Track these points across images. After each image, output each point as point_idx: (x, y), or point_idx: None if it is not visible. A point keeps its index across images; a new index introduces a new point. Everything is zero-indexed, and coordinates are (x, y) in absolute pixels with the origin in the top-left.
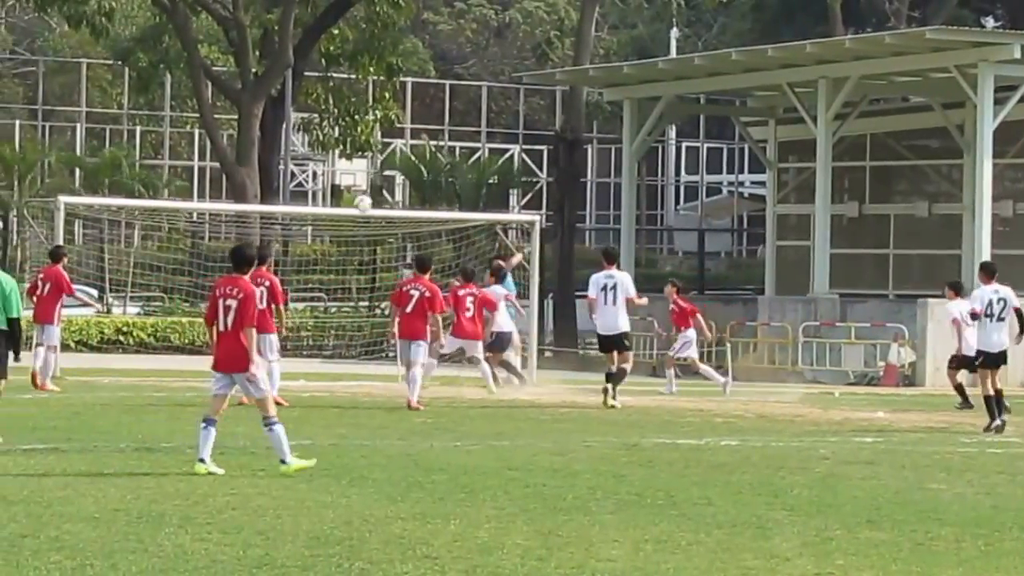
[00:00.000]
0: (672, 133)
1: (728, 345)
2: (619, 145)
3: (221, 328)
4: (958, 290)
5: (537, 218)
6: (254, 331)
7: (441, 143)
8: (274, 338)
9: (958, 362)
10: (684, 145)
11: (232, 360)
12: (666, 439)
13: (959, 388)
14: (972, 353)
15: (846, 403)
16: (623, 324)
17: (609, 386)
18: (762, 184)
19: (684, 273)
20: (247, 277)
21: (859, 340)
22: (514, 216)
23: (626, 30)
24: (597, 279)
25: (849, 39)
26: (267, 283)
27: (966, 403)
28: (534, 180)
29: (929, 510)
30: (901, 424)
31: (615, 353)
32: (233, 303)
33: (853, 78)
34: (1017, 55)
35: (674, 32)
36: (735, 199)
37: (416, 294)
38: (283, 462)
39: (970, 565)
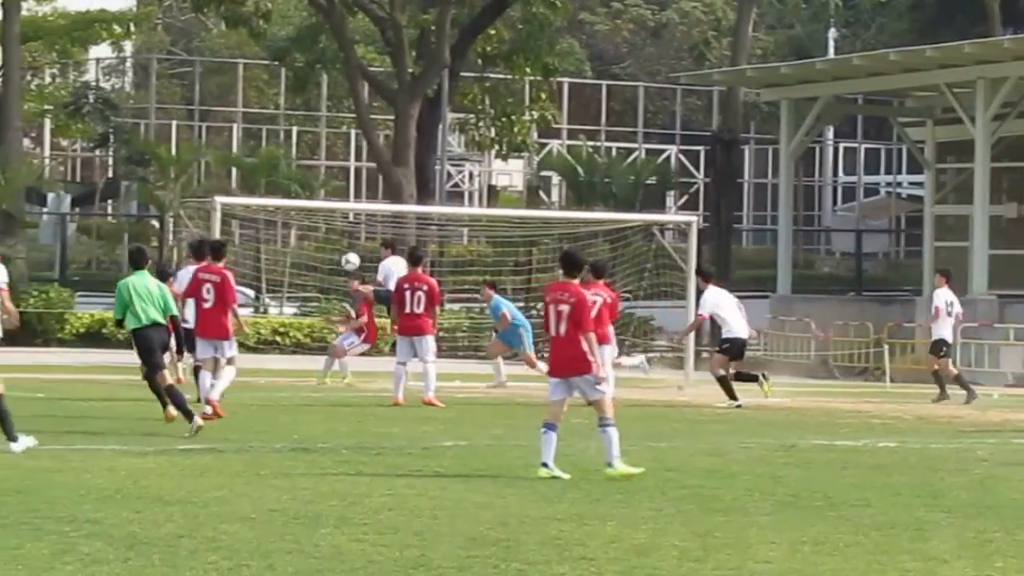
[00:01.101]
0: (829, 133)
1: (886, 346)
2: (776, 145)
3: (553, 333)
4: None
5: (694, 219)
6: (592, 335)
7: (597, 143)
8: (431, 340)
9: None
10: (841, 146)
11: (568, 364)
12: (823, 440)
13: (958, 378)
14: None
15: (1005, 405)
16: None
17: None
18: (920, 185)
19: (841, 274)
20: (581, 283)
21: (1018, 341)
22: (671, 217)
23: (783, 30)
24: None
25: (1008, 39)
26: (425, 286)
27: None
28: (691, 181)
29: None
30: None
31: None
32: (566, 308)
33: (1012, 78)
34: None
35: (832, 32)
36: (893, 200)
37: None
38: (609, 464)
39: None
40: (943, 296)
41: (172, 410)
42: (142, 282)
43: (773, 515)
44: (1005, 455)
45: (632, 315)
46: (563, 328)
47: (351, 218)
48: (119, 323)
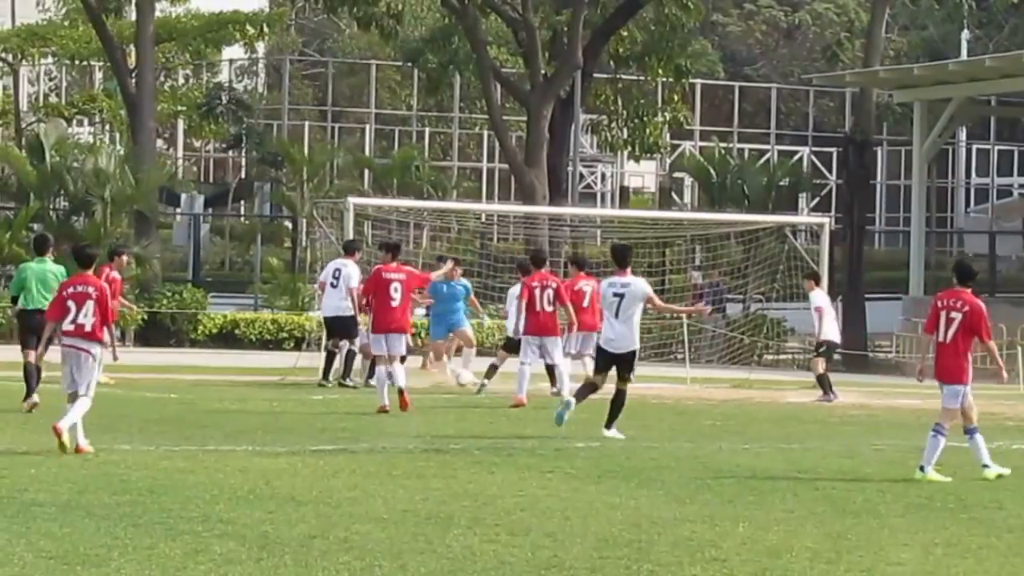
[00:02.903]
0: (962, 135)
1: (1020, 348)
2: (909, 147)
3: (940, 339)
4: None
5: (827, 220)
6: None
7: (730, 145)
8: (559, 340)
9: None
10: (975, 147)
11: (947, 372)
12: (955, 442)
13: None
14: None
15: None
16: None
17: None
18: None
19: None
20: None
21: None
22: (803, 218)
23: (916, 31)
24: None
25: None
26: (555, 284)
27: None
28: (824, 182)
29: None
30: None
31: None
32: (957, 316)
33: None
34: None
35: (965, 33)
36: None
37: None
38: (985, 466)
39: None
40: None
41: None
42: (43, 268)
43: (905, 517)
44: None
45: (765, 317)
46: (950, 334)
47: (484, 219)
48: (14, 300)
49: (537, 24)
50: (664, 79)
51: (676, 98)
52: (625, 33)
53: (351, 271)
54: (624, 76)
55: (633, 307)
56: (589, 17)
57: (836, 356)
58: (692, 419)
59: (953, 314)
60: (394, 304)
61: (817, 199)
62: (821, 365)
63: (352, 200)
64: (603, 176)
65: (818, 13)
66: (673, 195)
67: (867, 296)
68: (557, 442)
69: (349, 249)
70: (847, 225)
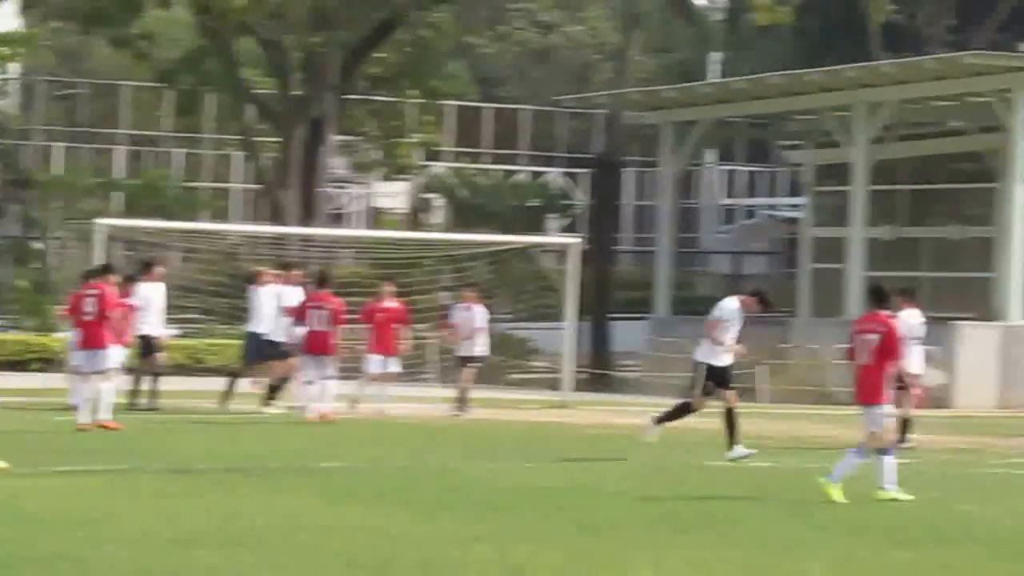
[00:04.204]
0: (711, 156)
1: (757, 368)
2: (658, 168)
3: (859, 361)
4: None
5: (576, 241)
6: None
7: (481, 166)
8: (332, 359)
9: None
10: (722, 168)
11: (867, 393)
12: (697, 459)
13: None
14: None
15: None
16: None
17: None
18: (799, 207)
19: (720, 296)
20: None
21: None
22: (553, 239)
23: (667, 54)
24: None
25: (887, 64)
26: (331, 306)
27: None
28: (574, 203)
29: (957, 532)
30: (931, 445)
31: None
32: (874, 338)
33: (891, 102)
34: None
35: (714, 56)
36: (772, 222)
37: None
38: (881, 488)
39: None
40: None
41: None
42: None
43: (648, 534)
44: (876, 475)
45: (511, 336)
46: (866, 356)
47: (235, 240)
48: None
49: (291, 45)
50: (417, 101)
51: (429, 119)
52: (379, 55)
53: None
54: (377, 97)
55: None
56: (343, 39)
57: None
58: (439, 439)
59: (870, 336)
60: (87, 319)
61: (567, 220)
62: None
63: (101, 222)
64: (355, 197)
65: (570, 36)
66: (424, 216)
67: (614, 316)
68: (306, 460)
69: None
70: (595, 246)
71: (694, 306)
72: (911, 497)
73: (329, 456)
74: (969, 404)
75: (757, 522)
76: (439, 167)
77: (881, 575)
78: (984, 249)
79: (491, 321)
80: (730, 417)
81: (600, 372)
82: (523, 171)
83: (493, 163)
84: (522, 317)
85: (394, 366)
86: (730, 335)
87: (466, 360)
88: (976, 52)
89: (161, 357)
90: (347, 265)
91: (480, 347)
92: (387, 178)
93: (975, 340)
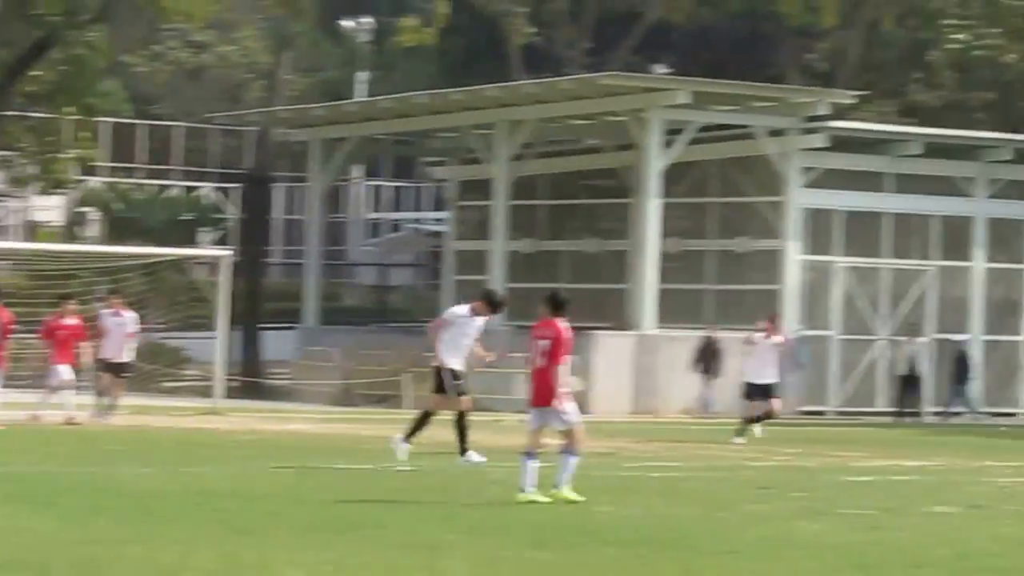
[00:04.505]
0: (358, 172)
1: (403, 376)
2: (306, 183)
3: (535, 366)
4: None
5: (226, 253)
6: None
7: (136, 181)
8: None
9: None
10: (369, 183)
11: (542, 396)
12: (345, 464)
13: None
14: None
15: (520, 430)
16: None
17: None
18: (442, 221)
19: (367, 306)
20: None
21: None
22: (203, 251)
23: (316, 73)
24: None
25: (527, 84)
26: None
27: None
28: (225, 217)
29: (592, 531)
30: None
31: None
32: (547, 344)
33: (531, 121)
34: (684, 100)
35: (362, 76)
36: (416, 235)
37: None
38: (555, 487)
39: None
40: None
41: None
42: None
43: (295, 537)
44: (518, 478)
45: (164, 345)
46: (540, 360)
47: None
48: None
49: None
50: (73, 117)
51: (84, 135)
52: (35, 73)
53: None
54: (34, 114)
55: None
56: (1, 56)
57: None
58: (94, 444)
59: (543, 342)
60: None
61: (219, 232)
62: None
63: None
64: (12, 210)
65: (222, 55)
66: (80, 229)
67: (265, 326)
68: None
69: None
70: (245, 258)
71: (341, 316)
72: (583, 498)
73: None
74: (606, 410)
75: (403, 525)
76: (95, 182)
77: (522, 573)
78: (619, 262)
79: (144, 330)
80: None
81: (251, 380)
82: (176, 186)
83: (147, 178)
84: (175, 327)
85: (69, 375)
86: (467, 341)
87: (112, 366)
88: (611, 73)
89: None
90: (5, 276)
91: (128, 354)
92: (44, 192)
93: (611, 348)
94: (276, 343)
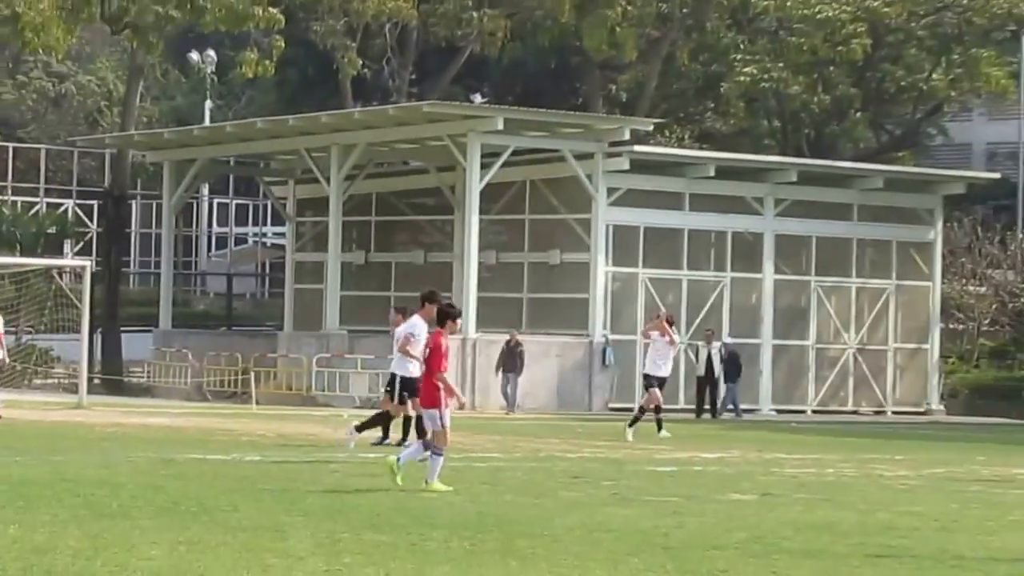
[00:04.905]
0: (205, 190)
1: (252, 373)
2: (160, 200)
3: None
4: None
5: (88, 263)
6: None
7: (4, 198)
8: None
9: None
10: (216, 201)
11: (424, 399)
12: (198, 455)
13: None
14: None
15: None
16: None
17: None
18: (283, 235)
19: (215, 312)
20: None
21: (365, 369)
22: (68, 261)
23: (167, 101)
24: None
25: (358, 111)
26: None
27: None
28: (86, 230)
29: (423, 515)
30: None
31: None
32: (427, 350)
33: (361, 144)
34: (500, 126)
35: (208, 103)
36: (259, 248)
37: None
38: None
39: (457, 562)
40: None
41: None
42: None
43: (155, 519)
44: (352, 468)
45: (35, 346)
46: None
47: None
48: None
49: None
50: None
51: None
52: None
53: None
54: None
55: None
56: None
57: None
58: None
59: (425, 351)
60: None
61: (80, 245)
62: None
63: None
64: None
65: (82, 84)
66: None
67: (124, 328)
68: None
69: None
70: (106, 268)
71: (193, 321)
72: (449, 488)
73: None
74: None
75: (251, 509)
76: None
77: (359, 553)
78: (444, 272)
79: (15, 332)
80: (408, 423)
81: (113, 377)
82: (42, 202)
83: (15, 195)
84: (43, 329)
85: None
86: (419, 349)
87: None
88: (432, 102)
89: None
90: None
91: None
92: None
93: None
94: (134, 345)
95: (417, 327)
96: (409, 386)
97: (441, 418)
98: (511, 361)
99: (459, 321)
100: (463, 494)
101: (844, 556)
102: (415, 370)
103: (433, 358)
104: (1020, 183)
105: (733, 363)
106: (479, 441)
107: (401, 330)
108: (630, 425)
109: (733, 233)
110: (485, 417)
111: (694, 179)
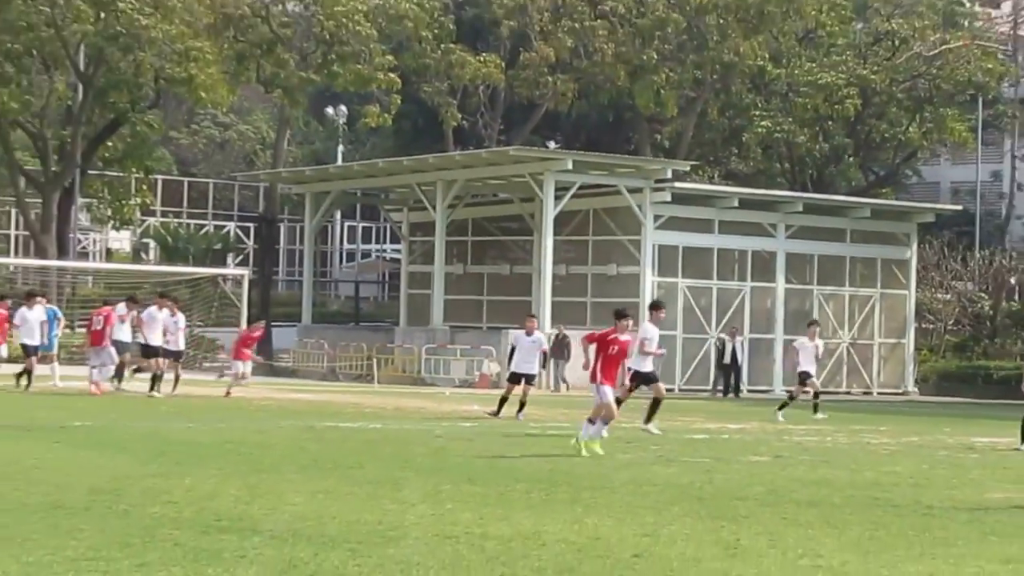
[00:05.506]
0: (338, 216)
1: (374, 360)
2: (302, 224)
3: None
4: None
5: (246, 272)
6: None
7: (181, 220)
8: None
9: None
10: (346, 224)
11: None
12: (333, 423)
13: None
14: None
15: (454, 400)
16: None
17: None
18: (399, 251)
19: (346, 311)
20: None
21: (463, 357)
22: (230, 271)
23: (308, 145)
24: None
25: (458, 154)
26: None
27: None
28: (244, 247)
29: (509, 472)
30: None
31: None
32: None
33: (460, 180)
34: (570, 167)
35: (340, 147)
36: (380, 261)
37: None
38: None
39: (535, 509)
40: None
41: None
42: None
43: (298, 473)
44: (454, 433)
45: (204, 337)
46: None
47: (11, 269)
48: None
49: (49, 136)
50: (136, 175)
51: (144, 188)
52: (110, 143)
53: None
54: (109, 172)
55: None
56: (85, 132)
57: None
58: (152, 408)
59: (591, 344)
60: None
61: (240, 257)
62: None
63: None
64: (94, 241)
65: (241, 132)
66: (142, 254)
67: (273, 324)
68: (61, 421)
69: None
70: (259, 276)
71: (327, 318)
72: (603, 452)
73: (77, 418)
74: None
75: (373, 466)
76: (153, 221)
77: (459, 501)
78: (525, 281)
79: (188, 326)
80: (655, 404)
81: (266, 363)
82: (210, 224)
83: (189, 219)
84: (211, 324)
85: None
86: (654, 347)
87: (171, 352)
88: (517, 147)
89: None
90: (87, 287)
91: (181, 343)
92: (116, 228)
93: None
94: (282, 336)
95: (649, 331)
96: (646, 378)
97: (600, 395)
98: (559, 350)
99: (627, 320)
100: (542, 456)
101: (839, 506)
102: (649, 365)
103: (598, 349)
104: (978, 213)
105: (730, 354)
106: (551, 414)
107: (641, 334)
108: (779, 408)
109: (752, 251)
110: (567, 396)
111: (722, 208)
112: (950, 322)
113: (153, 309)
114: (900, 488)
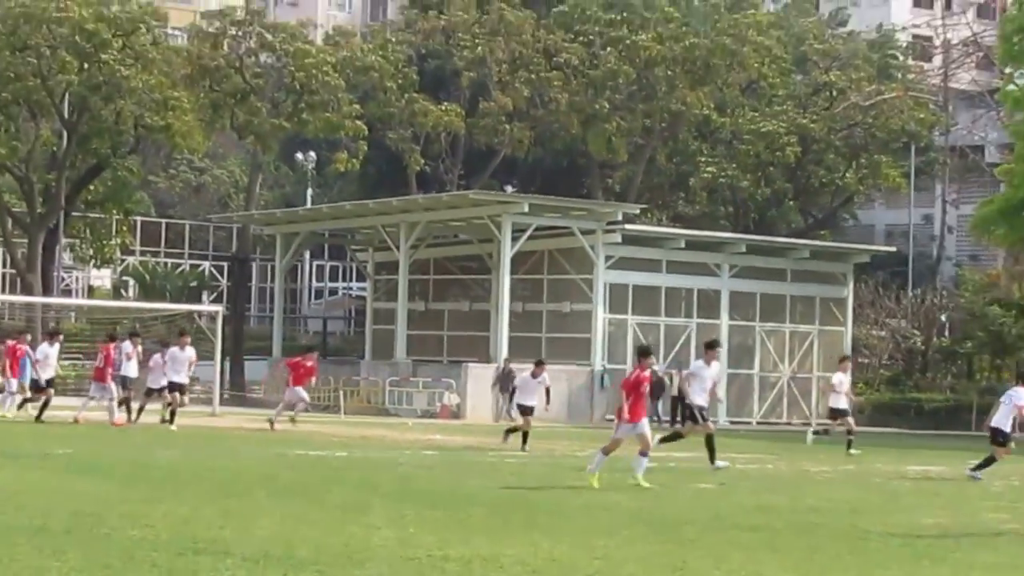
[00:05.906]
0: (307, 255)
1: (341, 392)
2: (273, 263)
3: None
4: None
5: (220, 309)
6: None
7: (159, 259)
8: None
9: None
10: (315, 263)
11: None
12: (302, 451)
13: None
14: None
15: (417, 430)
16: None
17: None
18: (364, 289)
19: (314, 345)
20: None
21: (425, 389)
22: (205, 307)
23: (279, 189)
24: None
25: (420, 197)
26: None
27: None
28: (218, 284)
29: (469, 499)
30: (451, 443)
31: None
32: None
33: (423, 222)
34: (526, 209)
35: (309, 191)
36: (347, 298)
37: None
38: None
39: (494, 532)
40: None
41: None
42: None
43: (269, 498)
44: (416, 461)
45: None
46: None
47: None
48: None
49: (35, 180)
50: (117, 216)
51: (124, 229)
52: (92, 187)
53: None
54: (91, 214)
55: None
56: (69, 176)
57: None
58: (130, 436)
59: (645, 387)
60: None
61: (214, 295)
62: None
63: None
64: (76, 278)
65: (216, 176)
66: (122, 291)
67: (246, 357)
68: (45, 448)
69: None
70: (232, 312)
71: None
72: (648, 485)
73: (61, 446)
74: (474, 418)
75: (340, 492)
76: (132, 260)
77: (422, 525)
78: (484, 317)
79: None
80: (710, 440)
81: (237, 393)
82: (186, 263)
83: (166, 258)
84: None
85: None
86: (707, 384)
87: (174, 385)
88: (476, 191)
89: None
90: (71, 322)
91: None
92: (97, 267)
93: (478, 375)
94: (254, 368)
95: (696, 367)
96: (697, 411)
97: (638, 429)
98: (505, 382)
99: (650, 358)
100: (497, 483)
101: (780, 530)
102: (698, 399)
103: (632, 386)
104: (910, 255)
105: (660, 386)
106: (512, 444)
107: (689, 371)
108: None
109: (698, 290)
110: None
111: (669, 249)
112: (884, 357)
113: (175, 349)
114: (838, 514)
